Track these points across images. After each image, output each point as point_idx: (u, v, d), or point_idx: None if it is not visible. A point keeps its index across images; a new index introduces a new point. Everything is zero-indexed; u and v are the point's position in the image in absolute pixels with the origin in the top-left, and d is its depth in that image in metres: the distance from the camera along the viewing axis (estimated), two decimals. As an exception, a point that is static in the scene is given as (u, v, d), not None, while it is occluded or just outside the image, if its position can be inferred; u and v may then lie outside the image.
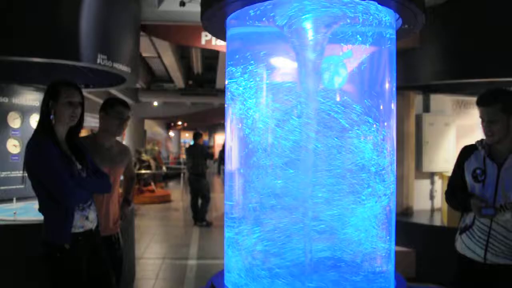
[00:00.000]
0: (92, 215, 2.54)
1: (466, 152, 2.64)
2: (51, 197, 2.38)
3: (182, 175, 13.93)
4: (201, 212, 8.75)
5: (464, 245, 2.54)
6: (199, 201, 8.84)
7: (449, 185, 2.75)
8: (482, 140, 2.58)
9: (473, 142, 2.66)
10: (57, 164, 2.34)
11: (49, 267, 2.41)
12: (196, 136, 9.33)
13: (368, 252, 1.71)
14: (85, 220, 2.49)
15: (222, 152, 10.92)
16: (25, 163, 2.42)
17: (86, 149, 2.62)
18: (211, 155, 10.47)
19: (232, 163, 1.87)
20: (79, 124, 2.55)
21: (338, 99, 1.72)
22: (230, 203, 1.88)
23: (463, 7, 4.84)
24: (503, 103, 2.41)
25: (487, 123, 2.45)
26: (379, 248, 1.75)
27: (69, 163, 2.43)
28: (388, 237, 1.79)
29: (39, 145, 2.37)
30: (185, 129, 29.32)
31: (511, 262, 2.36)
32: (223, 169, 9.93)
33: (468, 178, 2.56)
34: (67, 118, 2.46)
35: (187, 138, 31.88)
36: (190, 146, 9.60)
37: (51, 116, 2.45)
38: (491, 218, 2.41)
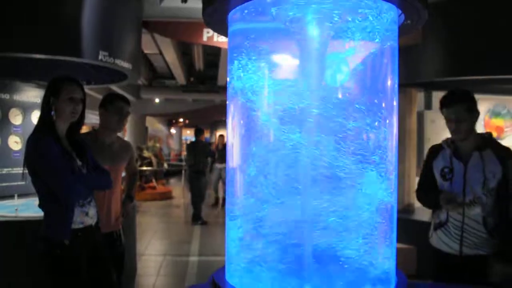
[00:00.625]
0: (92, 211, 2.54)
1: (434, 152, 2.78)
2: (51, 193, 2.38)
3: (183, 172, 13.94)
4: (197, 210, 8.65)
5: (440, 240, 2.67)
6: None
7: (419, 184, 2.90)
8: (448, 139, 2.73)
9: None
10: (57, 160, 2.34)
11: (49, 263, 2.41)
12: (198, 133, 9.15)
13: (369, 248, 1.70)
14: (85, 216, 2.49)
15: (216, 149, 10.84)
16: (25, 159, 2.42)
17: (87, 146, 2.62)
18: (213, 154, 10.40)
19: (234, 160, 1.87)
20: (80, 121, 2.55)
21: (340, 96, 1.71)
22: (232, 199, 1.88)
23: (466, 4, 4.83)
24: (468, 103, 2.63)
25: (456, 123, 2.60)
26: (380, 244, 1.75)
27: (69, 159, 2.43)
28: (389, 234, 1.78)
29: (39, 141, 2.37)
30: (186, 126, 29.36)
31: (483, 252, 2.53)
32: (215, 167, 9.90)
33: (437, 176, 2.70)
34: (68, 115, 2.45)
35: (189, 135, 31.89)
36: (192, 142, 9.45)
37: (52, 113, 2.44)
38: (462, 213, 2.56)
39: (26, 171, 2.44)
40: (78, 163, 2.47)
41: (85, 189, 2.48)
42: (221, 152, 10.26)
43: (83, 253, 2.47)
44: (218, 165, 10.48)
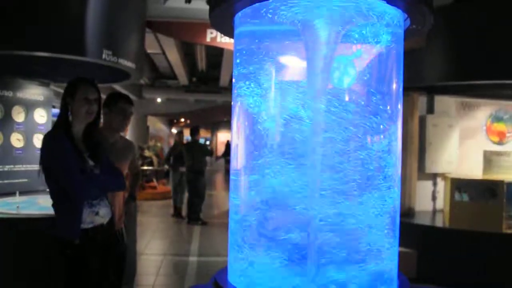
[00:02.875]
0: (103, 210, 2.55)
1: None
2: (61, 192, 2.41)
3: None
4: (195, 211, 8.60)
5: None
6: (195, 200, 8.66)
7: None
8: None
9: None
10: (67, 159, 2.37)
11: (62, 262, 2.43)
12: (194, 132, 8.94)
13: (371, 252, 1.71)
14: (95, 216, 2.49)
15: (172, 150, 9.96)
16: (40, 157, 2.46)
17: (103, 147, 2.65)
18: (211, 153, 10.17)
19: (239, 162, 1.87)
20: (96, 121, 2.58)
21: (346, 98, 1.72)
22: (235, 201, 1.88)
23: (469, 9, 4.84)
24: None
25: None
26: (383, 248, 1.75)
27: (81, 159, 2.45)
28: (392, 237, 1.79)
29: (52, 139, 2.43)
30: (188, 126, 29.33)
31: None
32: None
33: None
34: (83, 115, 2.50)
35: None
36: (188, 142, 9.30)
37: (69, 113, 2.49)
38: None
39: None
40: (90, 163, 2.49)
41: (96, 189, 2.50)
42: (180, 154, 9.22)
43: (94, 252, 2.48)
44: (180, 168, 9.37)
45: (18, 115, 5.22)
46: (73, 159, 2.38)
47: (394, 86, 1.77)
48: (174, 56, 11.02)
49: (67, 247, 2.40)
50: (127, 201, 3.29)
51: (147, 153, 13.06)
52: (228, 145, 24.86)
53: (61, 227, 2.44)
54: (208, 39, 6.17)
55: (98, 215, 2.51)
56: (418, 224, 5.31)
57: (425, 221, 5.47)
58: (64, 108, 2.50)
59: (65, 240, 2.41)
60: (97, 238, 2.50)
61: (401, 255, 1.93)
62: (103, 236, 2.54)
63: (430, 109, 6.02)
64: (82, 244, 2.40)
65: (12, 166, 5.09)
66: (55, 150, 2.39)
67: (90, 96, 2.50)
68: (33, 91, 5.36)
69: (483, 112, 6.14)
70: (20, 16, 3.95)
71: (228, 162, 16.40)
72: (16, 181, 5.02)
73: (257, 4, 1.70)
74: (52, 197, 2.50)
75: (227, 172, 18.61)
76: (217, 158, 19.24)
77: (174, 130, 29.75)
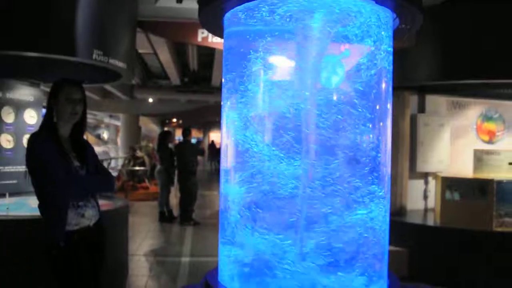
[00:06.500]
0: (89, 212, 2.52)
1: None
2: (46, 193, 2.39)
3: (176, 172, 13.87)
4: (187, 211, 8.58)
5: None
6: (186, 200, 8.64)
7: None
8: None
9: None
10: (51, 159, 2.35)
11: (49, 263, 2.42)
12: (185, 133, 9.00)
13: (362, 250, 1.71)
14: (81, 218, 2.47)
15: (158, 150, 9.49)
16: (25, 159, 2.44)
17: (90, 148, 2.63)
18: (203, 152, 10.16)
19: (228, 160, 1.87)
20: (83, 121, 2.57)
21: (334, 98, 1.72)
22: (225, 200, 1.88)
23: (459, 8, 4.87)
24: None
25: None
26: (373, 247, 1.75)
27: (66, 159, 2.43)
28: (382, 236, 1.79)
29: (35, 141, 2.42)
30: (180, 126, 29.26)
31: None
32: (161, 170, 9.11)
33: None
34: (67, 115, 2.49)
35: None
36: (180, 143, 9.32)
37: (54, 114, 2.48)
38: None
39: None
40: (76, 164, 2.47)
41: (81, 190, 2.48)
42: (165, 153, 9.01)
43: (80, 254, 2.46)
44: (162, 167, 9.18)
45: (8, 116, 5.17)
46: (55, 160, 2.37)
47: (383, 85, 1.78)
48: (165, 56, 10.99)
49: (53, 249, 2.38)
50: None
51: (139, 153, 13.01)
52: (211, 147, 24.66)
53: (46, 229, 2.42)
54: (199, 39, 6.14)
55: (84, 217, 2.49)
56: (409, 222, 5.33)
57: (417, 219, 5.50)
58: (49, 110, 2.50)
59: (51, 242, 2.39)
60: (83, 240, 2.48)
61: (392, 253, 1.94)
62: (89, 237, 2.52)
63: (421, 108, 6.05)
64: (67, 246, 2.38)
65: (1, 167, 5.04)
66: (37, 152, 2.38)
67: (73, 96, 2.50)
68: (23, 92, 5.31)
69: (473, 111, 6.19)
70: (9, 16, 3.92)
71: (218, 162, 16.33)
72: (6, 182, 4.97)
73: (245, 4, 1.70)
74: (38, 199, 2.47)
75: (216, 171, 18.54)
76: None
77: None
